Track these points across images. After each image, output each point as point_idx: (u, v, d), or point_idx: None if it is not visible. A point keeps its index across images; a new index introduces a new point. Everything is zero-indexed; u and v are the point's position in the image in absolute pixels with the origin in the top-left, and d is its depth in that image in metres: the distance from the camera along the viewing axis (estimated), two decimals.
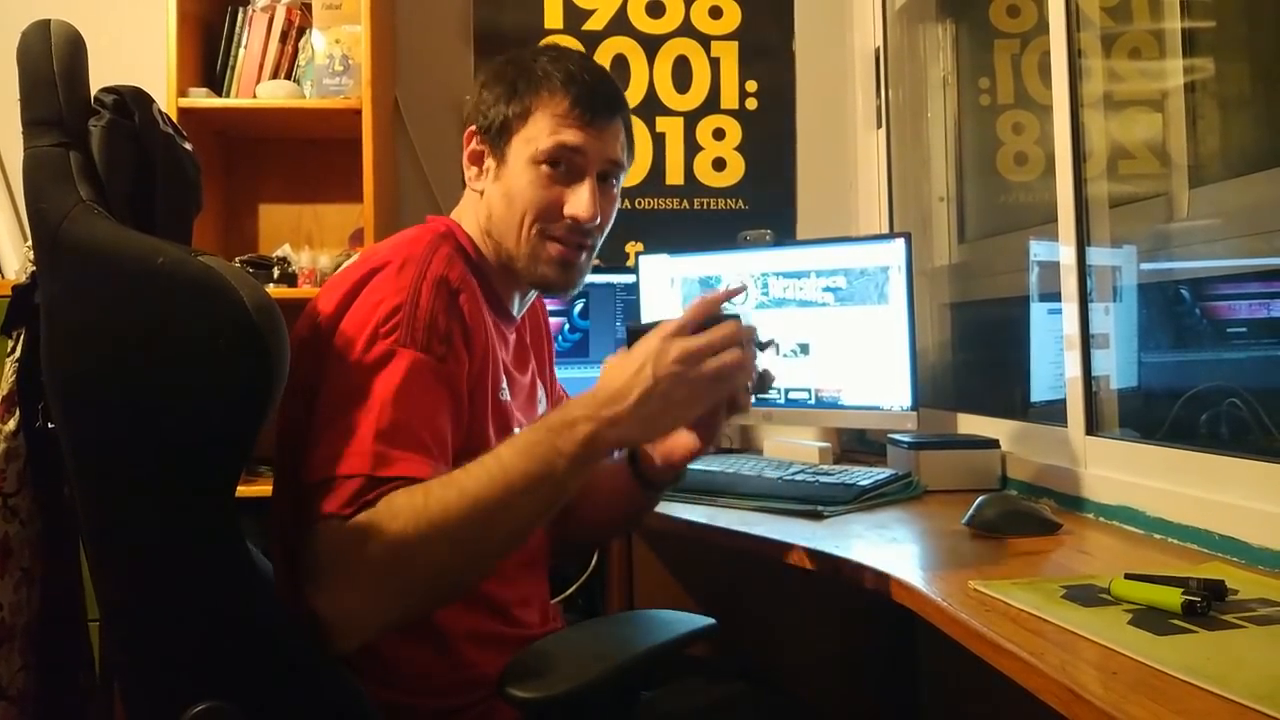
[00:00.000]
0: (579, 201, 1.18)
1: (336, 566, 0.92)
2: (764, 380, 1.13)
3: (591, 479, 1.24)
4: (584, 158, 1.19)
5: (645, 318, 2.12)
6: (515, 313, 1.28)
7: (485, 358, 1.12)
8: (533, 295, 1.30)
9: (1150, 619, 0.88)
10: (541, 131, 1.17)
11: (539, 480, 0.96)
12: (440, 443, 1.03)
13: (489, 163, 1.22)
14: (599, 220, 1.20)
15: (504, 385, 1.19)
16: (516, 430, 1.19)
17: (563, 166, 1.18)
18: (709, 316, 1.04)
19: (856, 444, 2.18)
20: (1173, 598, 0.90)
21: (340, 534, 0.92)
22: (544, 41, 2.48)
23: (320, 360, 1.03)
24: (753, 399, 1.13)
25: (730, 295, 1.07)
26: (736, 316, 1.06)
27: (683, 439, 1.18)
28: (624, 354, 1.03)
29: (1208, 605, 0.89)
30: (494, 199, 1.21)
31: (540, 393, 1.35)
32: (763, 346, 1.10)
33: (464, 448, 1.07)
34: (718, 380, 1.02)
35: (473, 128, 1.23)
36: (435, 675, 1.08)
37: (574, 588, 1.70)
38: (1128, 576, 0.96)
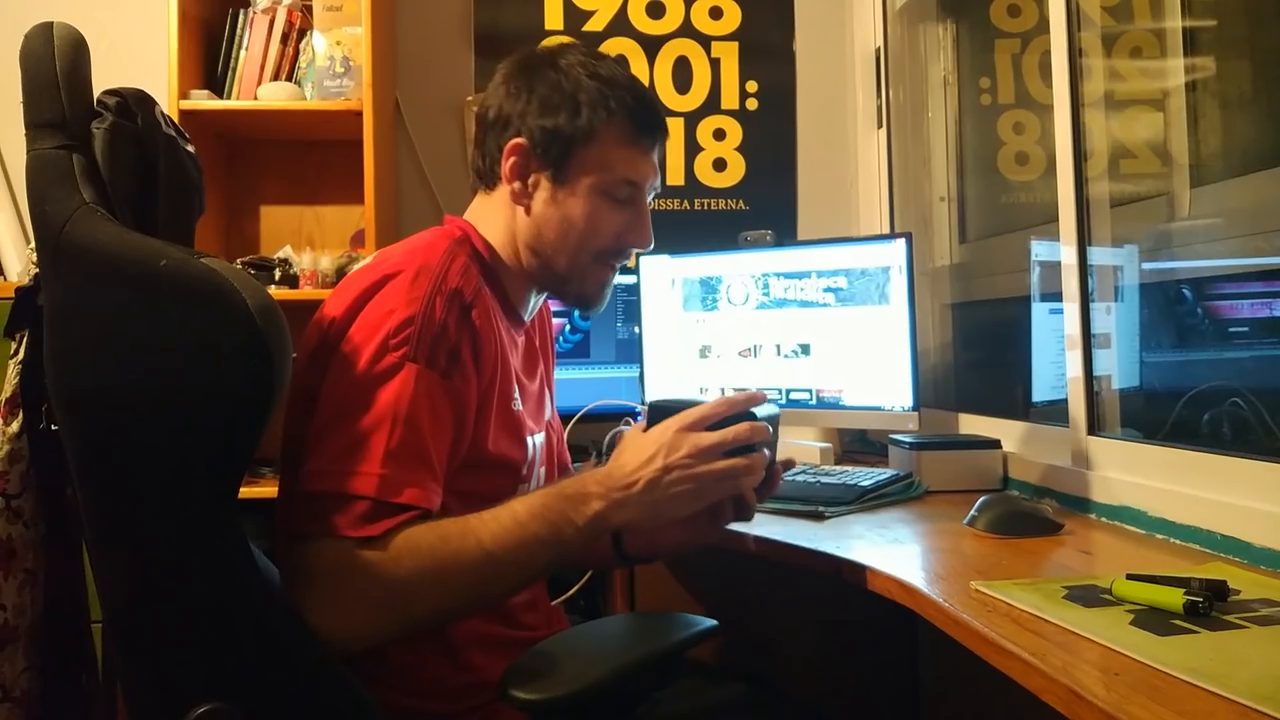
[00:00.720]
0: (643, 231, 1.23)
1: (337, 588, 0.93)
2: (770, 486, 1.14)
3: None
4: (642, 188, 1.22)
5: (646, 318, 2.12)
6: (526, 316, 1.27)
7: (496, 370, 1.11)
8: (543, 298, 1.30)
9: (1152, 619, 0.88)
10: (610, 163, 1.18)
11: (548, 544, 1.01)
12: (442, 463, 1.03)
13: (539, 179, 1.19)
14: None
15: (516, 394, 1.18)
16: (528, 439, 1.19)
17: (625, 195, 1.20)
18: (731, 415, 1.07)
19: (858, 444, 2.18)
20: (1175, 598, 0.89)
21: (346, 558, 0.93)
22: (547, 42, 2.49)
23: (325, 365, 1.03)
24: (757, 507, 1.14)
25: (756, 401, 1.09)
26: (765, 419, 1.09)
27: (672, 533, 1.21)
28: (641, 435, 1.07)
29: (1210, 605, 0.89)
30: (547, 222, 1.19)
31: (547, 397, 1.35)
32: (783, 465, 1.15)
33: (470, 460, 1.08)
34: (723, 480, 1.05)
35: (520, 141, 1.18)
36: (440, 679, 1.09)
37: (575, 589, 1.71)
38: (1129, 577, 0.96)
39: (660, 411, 1.09)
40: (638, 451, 1.04)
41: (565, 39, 2.50)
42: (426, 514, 0.98)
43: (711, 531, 1.20)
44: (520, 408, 1.19)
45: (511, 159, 1.18)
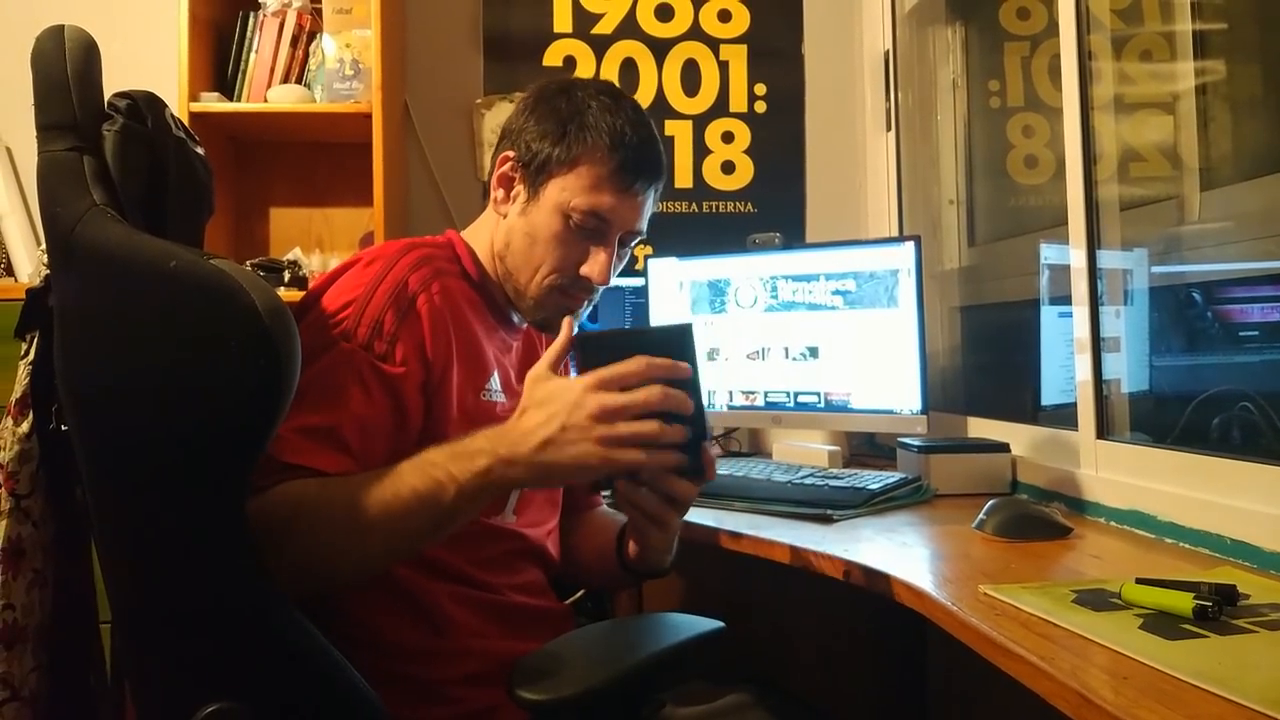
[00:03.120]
0: (596, 265, 1.20)
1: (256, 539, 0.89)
2: (702, 466, 1.03)
3: (585, 537, 1.32)
4: (610, 225, 1.21)
5: (654, 321, 2.12)
6: (519, 322, 1.30)
7: (452, 360, 1.13)
8: None
9: (1161, 624, 0.88)
10: (580, 188, 1.18)
11: (426, 500, 0.95)
12: (364, 440, 1.03)
13: (519, 191, 1.23)
14: (609, 283, 1.23)
15: (489, 385, 1.20)
16: None
17: (590, 226, 1.20)
18: (651, 377, 0.97)
19: (866, 448, 2.18)
20: (1184, 602, 0.89)
21: (251, 510, 0.88)
22: (553, 46, 2.50)
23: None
24: (697, 487, 1.06)
25: (680, 372, 0.99)
26: (687, 381, 0.99)
27: (650, 534, 1.15)
28: (548, 384, 0.99)
29: (1219, 610, 0.88)
30: (515, 232, 1.22)
31: None
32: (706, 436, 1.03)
33: (423, 446, 1.05)
34: (627, 445, 0.96)
35: (511, 154, 1.23)
36: (422, 644, 1.10)
37: (582, 590, 1.71)
38: (1139, 581, 0.96)
39: (587, 343, 1.03)
40: (539, 407, 0.97)
41: (574, 43, 2.50)
42: (316, 474, 0.97)
43: (675, 511, 1.11)
44: (497, 399, 1.21)
45: (500, 169, 1.24)
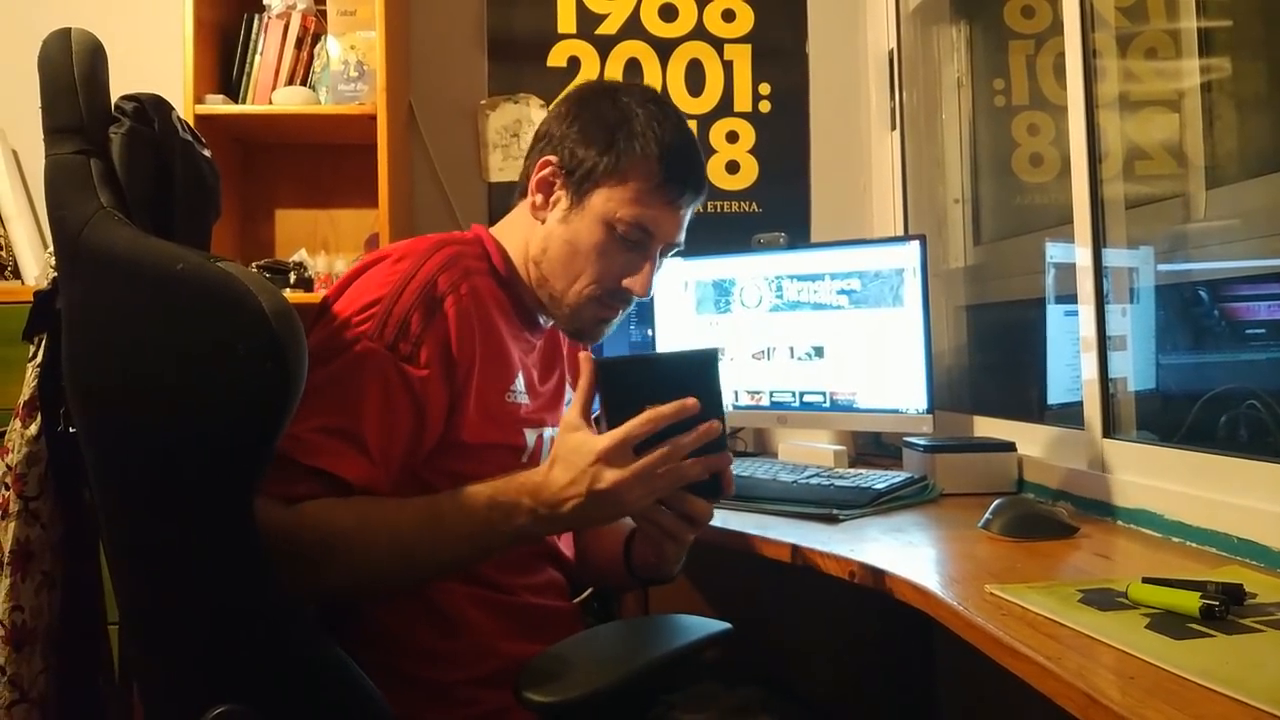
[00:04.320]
0: (641, 279, 1.21)
1: (269, 544, 0.90)
2: (721, 487, 1.07)
3: (595, 538, 1.36)
4: (653, 238, 1.21)
5: (659, 321, 2.12)
6: (544, 323, 1.30)
7: (475, 360, 1.13)
8: None
9: (1168, 623, 0.88)
10: (626, 200, 1.18)
11: (472, 542, 1.03)
12: (384, 443, 1.04)
13: (560, 197, 1.21)
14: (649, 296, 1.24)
15: (514, 387, 1.20)
16: (526, 433, 1.20)
17: (634, 238, 1.20)
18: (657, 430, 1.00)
19: (872, 447, 2.18)
20: (1191, 601, 0.89)
21: (267, 515, 0.90)
22: (557, 47, 2.50)
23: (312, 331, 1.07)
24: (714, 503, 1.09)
25: (689, 410, 1.01)
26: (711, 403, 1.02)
27: (666, 549, 1.19)
28: (568, 446, 1.01)
29: (1226, 609, 0.88)
30: (555, 239, 1.21)
31: (568, 395, 1.36)
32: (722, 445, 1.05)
33: (452, 445, 1.10)
34: (653, 494, 1.03)
35: (553, 159, 1.21)
36: (434, 646, 1.11)
37: (589, 591, 1.71)
38: (1145, 580, 0.96)
39: (609, 372, 1.04)
40: (567, 465, 1.01)
41: (578, 44, 2.50)
42: (338, 481, 1.00)
43: (691, 529, 1.14)
44: (522, 400, 1.21)
45: (540, 174, 1.21)
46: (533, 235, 1.23)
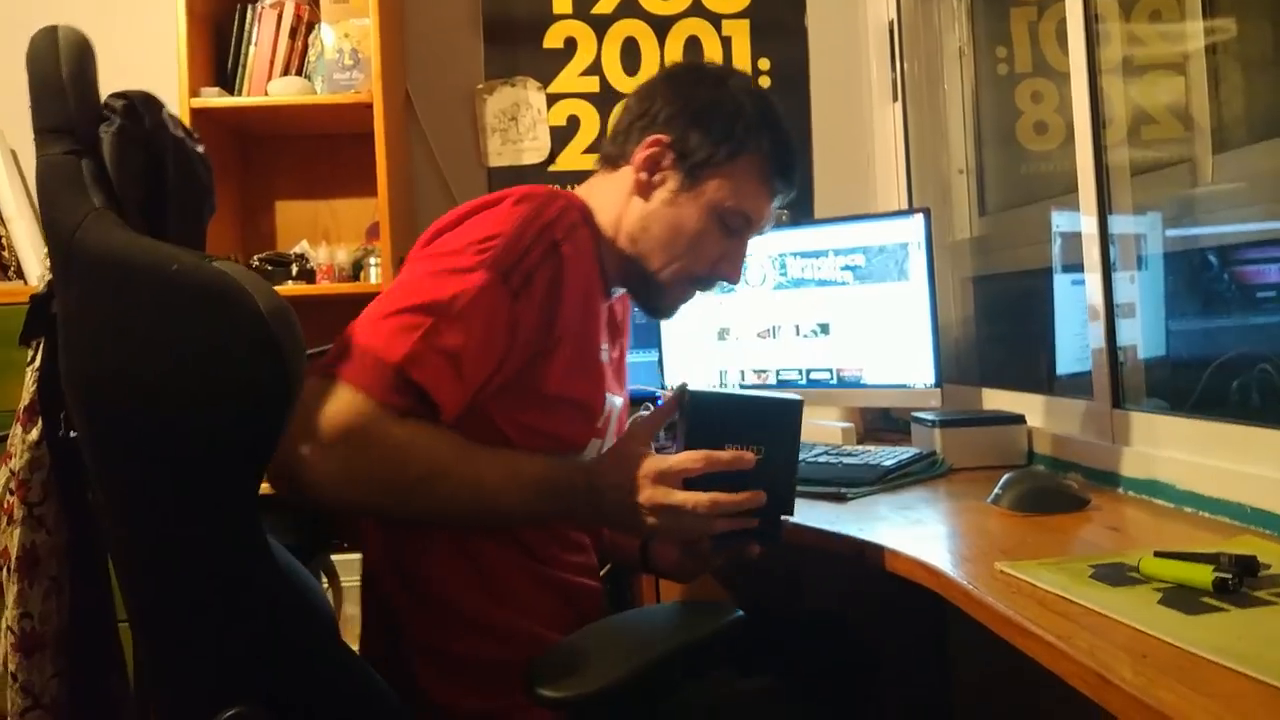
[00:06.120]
0: (735, 266, 1.27)
1: (349, 442, 0.96)
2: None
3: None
4: (752, 226, 1.25)
5: None
6: (613, 294, 1.31)
7: (579, 311, 1.14)
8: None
9: (1181, 598, 0.87)
10: (738, 190, 1.21)
11: (532, 508, 1.08)
12: (476, 370, 1.06)
13: (667, 177, 1.22)
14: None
15: (604, 346, 1.23)
16: (608, 396, 1.23)
17: (735, 226, 1.23)
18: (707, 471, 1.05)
19: (880, 423, 2.17)
20: (1204, 575, 0.88)
21: (366, 418, 0.96)
22: (554, 28, 2.48)
23: (415, 258, 1.11)
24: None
25: (744, 463, 1.06)
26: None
27: (690, 563, 1.27)
28: (633, 441, 1.08)
29: (1239, 582, 0.87)
30: (657, 219, 1.22)
31: (626, 367, 1.38)
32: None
33: (530, 392, 1.12)
34: (673, 532, 1.11)
35: (665, 138, 1.21)
36: (478, 612, 1.13)
37: (607, 566, 1.71)
38: (1157, 554, 0.95)
39: (697, 404, 1.09)
40: (621, 469, 1.06)
41: (575, 24, 2.48)
42: (429, 402, 1.02)
43: (715, 559, 1.24)
44: (604, 358, 1.22)
45: (649, 151, 1.22)
46: (629, 210, 1.23)
